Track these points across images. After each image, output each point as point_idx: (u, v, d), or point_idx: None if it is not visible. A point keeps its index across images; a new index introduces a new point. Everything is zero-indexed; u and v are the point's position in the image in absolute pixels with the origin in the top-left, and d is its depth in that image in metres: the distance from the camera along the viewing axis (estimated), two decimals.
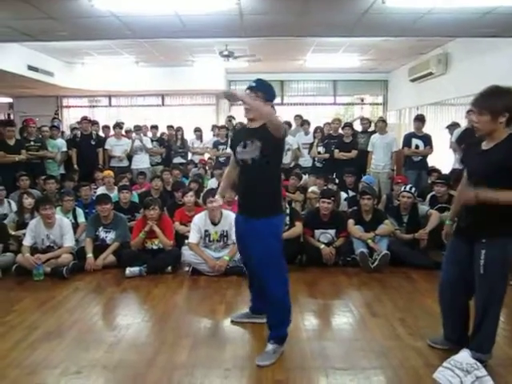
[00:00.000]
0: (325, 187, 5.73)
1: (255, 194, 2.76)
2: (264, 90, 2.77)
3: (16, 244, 4.90)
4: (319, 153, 7.22)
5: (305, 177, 6.78)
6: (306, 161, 7.56)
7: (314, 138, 7.46)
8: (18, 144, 6.57)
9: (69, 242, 4.67)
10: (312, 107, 12.13)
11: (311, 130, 7.77)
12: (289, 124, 8.02)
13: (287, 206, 4.86)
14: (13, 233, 5.00)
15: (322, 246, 4.64)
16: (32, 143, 6.85)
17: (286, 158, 7.55)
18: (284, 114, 10.09)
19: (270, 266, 2.75)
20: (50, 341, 3.04)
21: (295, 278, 4.28)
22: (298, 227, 4.71)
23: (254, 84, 2.78)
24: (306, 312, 3.57)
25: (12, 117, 11.58)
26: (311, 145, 7.42)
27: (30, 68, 8.59)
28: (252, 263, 2.89)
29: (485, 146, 2.48)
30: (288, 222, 4.73)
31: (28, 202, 5.17)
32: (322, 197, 4.87)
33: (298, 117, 8.33)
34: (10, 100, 12.14)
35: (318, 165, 7.30)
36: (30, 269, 4.39)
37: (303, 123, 7.93)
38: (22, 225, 5.10)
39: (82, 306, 3.75)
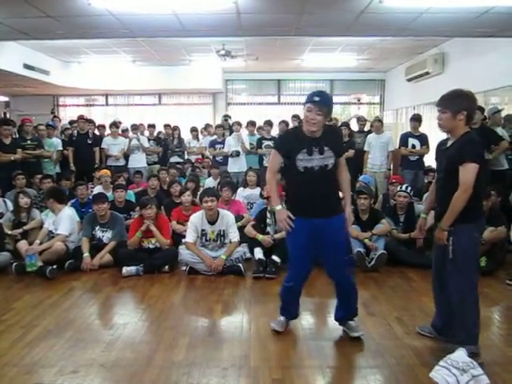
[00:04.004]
0: None
1: (330, 196, 2.93)
2: (328, 107, 2.84)
3: (12, 243, 4.89)
4: None
5: None
6: None
7: None
8: (14, 143, 6.54)
9: (62, 230, 4.68)
10: None
11: None
12: (286, 123, 8.02)
13: (284, 205, 4.85)
14: (9, 232, 4.99)
15: None
16: (28, 142, 6.81)
17: None
18: (281, 113, 10.11)
19: (344, 253, 2.95)
20: (47, 340, 3.04)
21: None
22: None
23: (317, 98, 2.78)
24: (303, 311, 3.56)
25: (8, 115, 11.53)
26: None
27: (26, 67, 8.55)
28: (331, 258, 2.95)
29: (448, 143, 2.75)
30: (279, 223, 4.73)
31: (24, 201, 5.16)
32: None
33: (296, 117, 8.32)
34: (6, 99, 12.09)
35: None
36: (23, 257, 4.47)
37: (301, 122, 7.93)
38: (18, 224, 5.09)
39: (78, 306, 3.75)
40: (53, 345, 2.96)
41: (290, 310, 3.19)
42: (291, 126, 8.30)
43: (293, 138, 2.94)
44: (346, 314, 3.07)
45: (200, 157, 8.25)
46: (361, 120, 7.96)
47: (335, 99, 12.07)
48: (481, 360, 2.51)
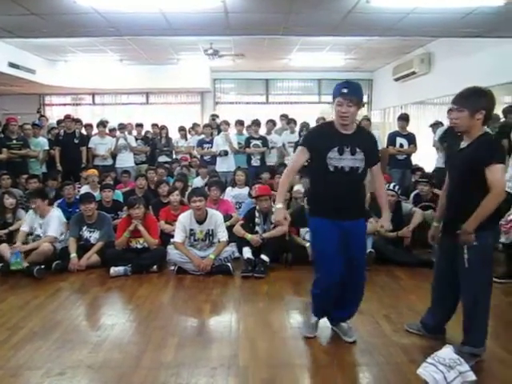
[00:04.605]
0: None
1: (358, 198, 2.86)
2: (359, 95, 2.70)
3: None
4: None
5: None
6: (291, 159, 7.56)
7: (300, 136, 7.48)
8: None
9: (51, 231, 4.64)
10: (297, 106, 12.15)
11: (297, 128, 7.78)
12: (273, 122, 8.02)
13: (272, 204, 4.87)
14: None
15: (308, 245, 4.65)
16: (14, 142, 6.73)
17: (272, 157, 7.58)
18: (269, 112, 10.12)
19: (364, 255, 3.02)
20: (33, 342, 3.00)
21: (281, 277, 4.32)
22: (284, 226, 4.72)
23: (345, 90, 2.63)
24: (292, 310, 3.59)
25: None
26: (296, 143, 7.43)
27: (11, 65, 8.44)
28: (354, 262, 2.84)
29: (463, 144, 2.63)
30: (273, 221, 4.75)
31: (9, 201, 5.09)
32: (305, 196, 4.89)
33: (284, 116, 8.34)
34: None
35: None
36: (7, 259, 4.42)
37: (289, 122, 7.95)
38: (3, 225, 5.02)
39: (65, 307, 3.71)
40: (39, 347, 2.92)
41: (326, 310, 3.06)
42: (279, 125, 8.34)
43: (324, 135, 2.78)
44: (346, 315, 3.03)
45: (186, 156, 8.21)
46: None
47: (323, 99, 12.19)
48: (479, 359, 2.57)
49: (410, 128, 7.06)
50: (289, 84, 12.34)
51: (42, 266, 4.38)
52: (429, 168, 6.78)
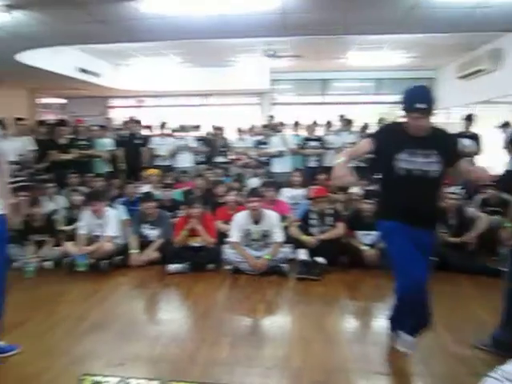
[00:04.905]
0: (368, 188, 5.62)
1: (431, 205, 2.68)
2: (434, 105, 2.48)
3: (65, 239, 5.10)
4: None
5: None
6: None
7: (360, 137, 7.33)
8: (69, 143, 6.85)
9: (109, 231, 4.83)
10: (354, 106, 11.93)
11: (355, 129, 7.62)
12: (330, 123, 7.93)
13: (330, 206, 4.81)
14: (62, 228, 5.22)
15: (365, 248, 4.56)
16: (81, 142, 7.12)
17: (329, 158, 7.48)
18: (326, 113, 10.00)
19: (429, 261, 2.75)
20: (96, 332, 3.15)
21: (336, 280, 4.25)
22: (340, 228, 4.66)
23: (423, 106, 2.42)
24: (347, 314, 3.53)
25: (64, 117, 12.09)
26: (355, 144, 7.28)
27: (80, 70, 8.92)
28: (423, 276, 2.62)
29: None
30: (330, 223, 4.69)
31: (77, 198, 5.38)
32: (365, 197, 4.79)
33: (342, 117, 8.20)
34: (64, 101, 12.68)
35: (361, 165, 7.17)
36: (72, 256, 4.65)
37: (347, 122, 7.82)
38: (70, 221, 5.31)
39: (126, 300, 3.87)
40: (101, 337, 3.07)
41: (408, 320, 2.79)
42: (337, 125, 8.21)
43: (395, 135, 2.61)
44: (417, 325, 2.77)
45: (242, 156, 8.29)
46: None
47: (381, 99, 11.87)
48: None
49: (476, 128, 6.72)
50: (346, 84, 12.13)
51: (107, 261, 4.61)
52: (498, 171, 6.41)
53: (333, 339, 3.04)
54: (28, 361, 2.76)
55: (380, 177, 2.82)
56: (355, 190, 5.79)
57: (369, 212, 4.64)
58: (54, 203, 5.68)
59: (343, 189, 5.95)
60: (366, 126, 7.45)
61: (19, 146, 6.18)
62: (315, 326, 3.25)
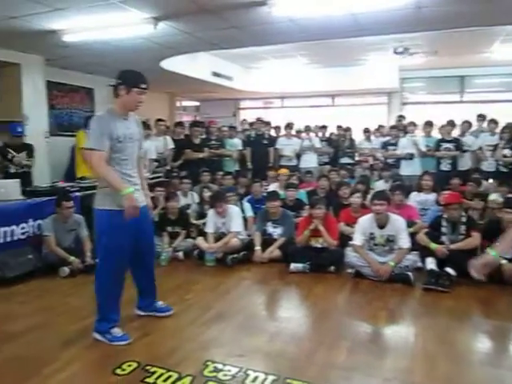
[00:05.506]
0: (509, 195, 5.07)
1: None
2: None
3: (196, 232, 5.48)
4: (505, 156, 6.41)
5: (485, 182, 6.11)
6: (489, 164, 6.78)
7: (501, 138, 6.65)
8: (202, 143, 7.36)
9: (235, 227, 5.03)
10: (496, 105, 10.78)
11: (498, 130, 6.92)
12: (469, 123, 7.32)
13: (463, 214, 4.44)
14: (194, 222, 5.62)
15: (504, 262, 4.11)
16: (213, 142, 7.60)
17: (464, 161, 6.93)
18: (463, 112, 9.25)
19: None
20: (219, 322, 3.32)
21: (467, 294, 3.90)
22: (475, 238, 4.26)
23: None
24: (480, 332, 3.22)
25: (198, 118, 13.00)
26: (496, 146, 6.63)
27: (214, 74, 9.50)
28: None
29: None
30: (463, 232, 4.33)
31: (207, 195, 5.74)
32: (505, 206, 4.32)
33: (482, 116, 7.53)
34: (197, 103, 13.65)
35: (502, 169, 6.50)
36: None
37: (489, 122, 7.14)
38: (201, 215, 5.68)
39: (248, 294, 4.02)
40: (224, 328, 3.23)
41: None
42: (475, 126, 7.57)
43: None
44: None
45: (367, 157, 8.06)
46: None
47: None
48: None
49: None
50: (489, 80, 11.04)
51: (233, 256, 4.84)
52: None
53: (461, 358, 2.79)
54: (159, 341, 3.03)
55: None
56: (494, 197, 5.28)
57: (510, 223, 4.17)
58: (188, 198, 6.14)
59: (480, 195, 5.45)
60: (509, 127, 6.71)
61: (159, 145, 6.82)
62: (441, 342, 3.01)
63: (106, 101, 8.71)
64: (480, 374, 2.63)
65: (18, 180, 5.11)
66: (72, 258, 4.54)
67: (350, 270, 4.51)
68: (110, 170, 2.87)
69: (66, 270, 4.49)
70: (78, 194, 5.23)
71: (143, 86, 2.93)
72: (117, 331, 3.02)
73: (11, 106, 6.63)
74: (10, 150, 6.13)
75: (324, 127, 8.74)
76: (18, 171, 6.07)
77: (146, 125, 6.40)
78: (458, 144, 6.80)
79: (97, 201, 3.00)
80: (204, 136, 7.76)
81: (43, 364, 2.69)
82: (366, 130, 8.45)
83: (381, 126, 8.79)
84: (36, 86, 6.80)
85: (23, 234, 4.72)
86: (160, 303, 3.45)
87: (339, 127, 8.74)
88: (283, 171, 6.74)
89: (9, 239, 4.57)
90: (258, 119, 8.80)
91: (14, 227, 4.62)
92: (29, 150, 6.33)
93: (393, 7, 4.84)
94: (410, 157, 6.84)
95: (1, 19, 4.93)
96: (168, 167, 6.89)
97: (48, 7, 4.61)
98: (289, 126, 8.22)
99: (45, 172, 6.84)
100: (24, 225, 4.72)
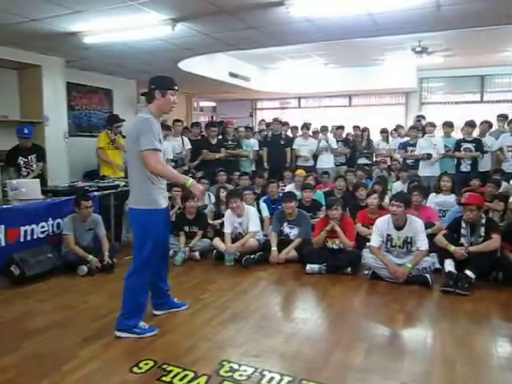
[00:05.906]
0: None
1: None
2: None
3: (212, 231, 5.51)
4: None
5: (505, 183, 5.99)
6: (510, 166, 6.65)
7: None
8: (218, 143, 7.39)
9: (252, 227, 5.06)
10: None
11: None
12: (489, 124, 7.20)
13: (483, 215, 4.37)
14: (210, 222, 5.64)
15: None
16: (229, 142, 7.62)
17: (485, 162, 6.82)
18: (483, 112, 9.10)
19: None
20: (236, 322, 3.34)
21: (487, 297, 3.85)
22: (495, 240, 4.17)
23: None
24: (500, 337, 3.15)
25: (215, 119, 13.06)
26: None
27: (231, 74, 9.52)
28: None
29: None
30: (483, 234, 4.25)
31: (224, 195, 5.76)
32: None
33: (503, 116, 7.40)
34: (213, 104, 13.71)
35: None
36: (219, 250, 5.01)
37: (510, 122, 7.01)
38: (218, 215, 5.71)
39: (264, 295, 4.02)
40: (240, 328, 3.24)
41: None
42: (495, 127, 7.44)
43: None
44: None
45: (384, 158, 7.98)
46: None
47: None
48: None
49: None
50: (509, 80, 10.84)
51: (251, 256, 4.86)
52: None
53: (480, 362, 2.75)
54: (175, 341, 3.05)
55: None
56: None
57: None
58: (205, 198, 6.17)
59: (500, 197, 5.36)
60: None
61: (176, 145, 6.86)
62: (460, 345, 2.97)
63: (124, 102, 8.82)
64: (499, 379, 2.58)
65: (38, 180, 5.20)
66: (90, 257, 4.61)
67: (366, 272, 4.48)
68: (168, 167, 3.17)
69: (84, 268, 4.56)
70: (96, 193, 5.30)
71: (176, 87, 3.15)
72: (143, 324, 3.13)
73: (32, 107, 6.74)
74: (20, 156, 5.83)
75: (341, 127, 8.69)
76: (30, 174, 5.87)
77: (165, 126, 6.45)
78: (478, 144, 6.69)
79: (133, 201, 3.11)
80: (220, 136, 7.79)
81: (62, 361, 2.73)
82: (384, 131, 8.38)
83: (399, 126, 8.70)
84: (56, 87, 6.90)
85: (43, 232, 4.81)
86: (175, 299, 3.56)
87: (356, 127, 8.67)
88: (300, 172, 6.72)
89: (29, 238, 4.66)
90: (276, 119, 8.79)
91: (33, 226, 4.71)
92: (38, 153, 6.01)
93: (411, 6, 4.79)
94: (429, 157, 6.76)
95: (23, 22, 5.02)
96: (185, 167, 6.94)
97: (68, 9, 4.67)
98: (305, 126, 8.19)
99: (64, 172, 6.93)
100: (44, 224, 4.81)
